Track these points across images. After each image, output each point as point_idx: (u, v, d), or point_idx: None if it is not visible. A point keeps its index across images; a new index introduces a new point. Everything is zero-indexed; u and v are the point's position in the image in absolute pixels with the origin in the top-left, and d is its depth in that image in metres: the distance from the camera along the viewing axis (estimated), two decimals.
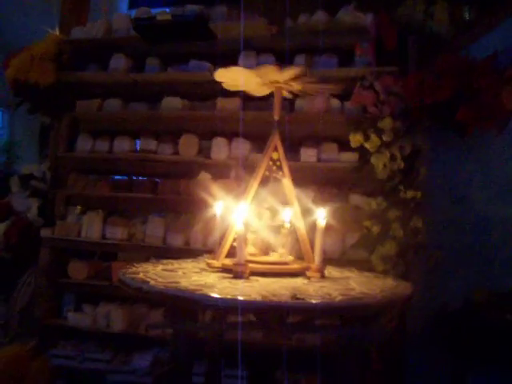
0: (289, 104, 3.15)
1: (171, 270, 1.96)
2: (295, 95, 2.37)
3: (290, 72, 2.02)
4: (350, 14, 3.14)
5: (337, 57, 3.19)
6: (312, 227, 1.97)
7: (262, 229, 2.00)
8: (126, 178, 3.69)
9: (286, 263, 1.99)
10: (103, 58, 3.59)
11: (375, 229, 2.79)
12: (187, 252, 3.04)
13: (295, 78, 2.06)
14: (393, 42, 3.03)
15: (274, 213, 2.04)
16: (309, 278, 1.90)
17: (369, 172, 2.88)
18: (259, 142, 2.96)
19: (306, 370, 2.88)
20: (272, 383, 2.80)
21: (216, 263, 1.98)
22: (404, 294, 1.79)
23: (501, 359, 2.72)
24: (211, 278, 1.80)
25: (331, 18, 3.18)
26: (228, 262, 1.95)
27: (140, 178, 3.68)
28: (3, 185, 3.91)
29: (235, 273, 1.80)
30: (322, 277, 1.91)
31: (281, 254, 2.02)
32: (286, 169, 2.09)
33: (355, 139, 2.89)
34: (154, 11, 3.47)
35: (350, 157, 3.04)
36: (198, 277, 1.83)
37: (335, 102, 3.14)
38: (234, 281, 1.77)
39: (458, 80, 2.77)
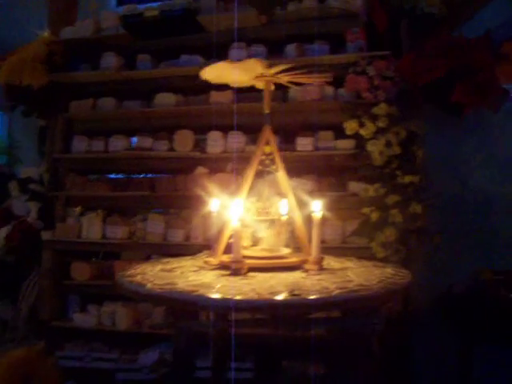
0: (282, 94, 3.12)
1: (169, 270, 1.95)
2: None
3: (277, 67, 2.00)
4: None
5: (328, 43, 3.14)
6: (310, 219, 1.96)
7: (255, 222, 1.99)
8: (122, 176, 3.69)
9: (283, 257, 1.98)
10: (94, 57, 3.56)
11: (374, 215, 2.78)
12: (188, 247, 3.07)
13: (283, 71, 2.04)
14: (384, 26, 2.99)
15: (268, 205, 2.03)
16: (307, 270, 1.89)
17: (366, 158, 2.86)
18: (255, 133, 2.93)
19: (313, 360, 2.88)
20: (279, 373, 2.80)
21: (213, 261, 1.97)
22: (403, 283, 1.78)
23: (507, 336, 2.77)
24: (208, 277, 1.80)
25: (320, 5, 3.13)
26: (226, 258, 1.94)
27: (137, 175, 3.67)
28: (3, 188, 3.90)
29: (232, 270, 1.80)
30: (320, 269, 1.90)
31: (277, 248, 2.01)
32: (279, 162, 2.07)
33: (350, 126, 2.87)
34: (142, 7, 3.44)
35: (346, 144, 3.02)
36: (196, 276, 1.82)
37: (329, 90, 3.11)
38: (231, 278, 1.76)
39: (452, 59, 2.73)
